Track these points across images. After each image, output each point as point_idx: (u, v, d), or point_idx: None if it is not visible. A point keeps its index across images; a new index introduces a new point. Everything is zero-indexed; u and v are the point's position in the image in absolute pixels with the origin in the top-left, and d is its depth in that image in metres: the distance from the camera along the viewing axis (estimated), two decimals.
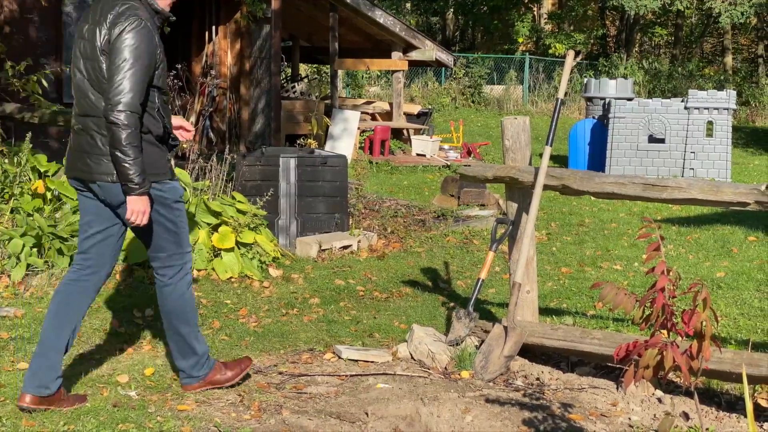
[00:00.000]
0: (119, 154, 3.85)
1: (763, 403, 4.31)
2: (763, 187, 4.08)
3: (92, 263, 4.17)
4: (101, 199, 4.09)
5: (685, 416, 3.25)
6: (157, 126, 4.07)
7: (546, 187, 4.85)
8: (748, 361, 4.09)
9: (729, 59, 31.42)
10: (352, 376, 4.71)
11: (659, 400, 4.33)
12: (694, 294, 2.84)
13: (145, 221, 3.97)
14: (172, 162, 4.18)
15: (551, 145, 4.96)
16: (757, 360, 4.10)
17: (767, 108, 25.76)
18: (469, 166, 5.37)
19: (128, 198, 3.91)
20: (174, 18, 4.22)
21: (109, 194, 4.04)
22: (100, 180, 4.01)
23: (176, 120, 4.37)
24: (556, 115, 4.99)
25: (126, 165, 3.86)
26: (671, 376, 4.06)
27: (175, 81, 8.83)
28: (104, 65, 3.96)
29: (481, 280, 5.13)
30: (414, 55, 16.29)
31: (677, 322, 2.91)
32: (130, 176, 3.87)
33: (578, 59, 27.77)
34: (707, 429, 4.03)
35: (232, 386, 4.40)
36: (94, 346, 5.06)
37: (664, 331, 2.92)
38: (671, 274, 2.92)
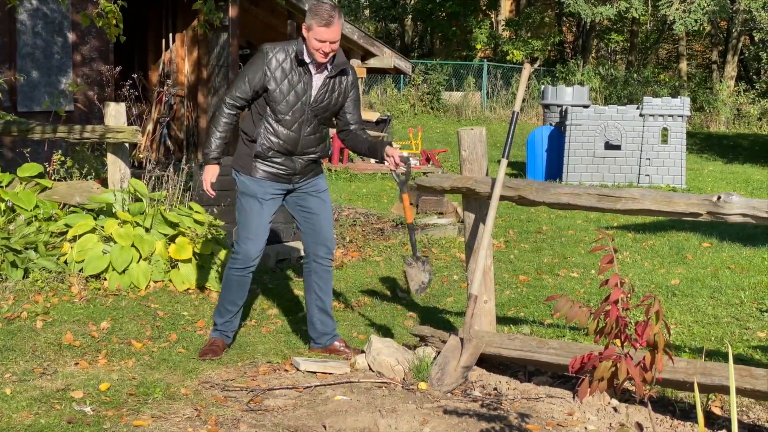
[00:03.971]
0: None
1: (716, 411, 4.37)
2: (714, 198, 4.14)
3: (307, 253, 5.29)
4: None
5: (639, 427, 3.29)
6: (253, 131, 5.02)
7: (502, 198, 4.87)
8: (701, 371, 4.14)
9: (684, 65, 31.86)
10: (310, 388, 4.70)
11: (615, 409, 4.37)
12: (646, 307, 2.87)
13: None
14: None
15: (507, 158, 4.98)
16: (710, 369, 4.15)
17: (721, 114, 26.14)
18: (428, 174, 5.45)
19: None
20: None
21: None
22: None
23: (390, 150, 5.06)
24: (512, 128, 4.98)
25: None
26: (627, 384, 4.10)
27: (131, 90, 8.76)
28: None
29: (411, 226, 5.49)
30: (372, 63, 16.35)
31: (631, 333, 2.94)
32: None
33: (536, 65, 27.98)
34: None
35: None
36: (48, 361, 4.99)
37: (618, 341, 2.94)
38: (625, 285, 2.95)
